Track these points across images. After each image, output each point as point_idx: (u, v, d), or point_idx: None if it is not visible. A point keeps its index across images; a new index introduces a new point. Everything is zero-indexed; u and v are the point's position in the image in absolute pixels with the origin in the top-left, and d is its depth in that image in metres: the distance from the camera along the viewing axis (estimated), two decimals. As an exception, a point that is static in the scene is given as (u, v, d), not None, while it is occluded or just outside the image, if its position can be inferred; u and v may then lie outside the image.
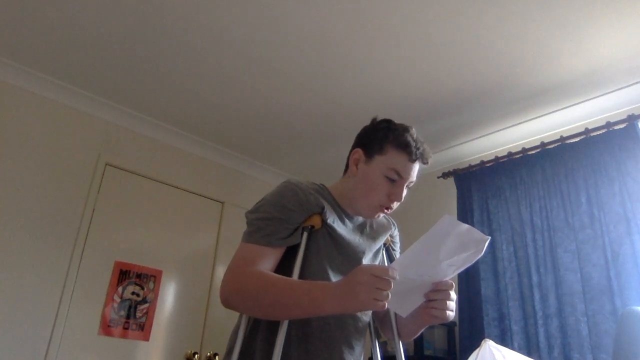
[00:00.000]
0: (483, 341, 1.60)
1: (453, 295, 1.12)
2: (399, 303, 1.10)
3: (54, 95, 2.85)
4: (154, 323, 2.91)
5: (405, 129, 1.27)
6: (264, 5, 2.15)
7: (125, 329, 2.79)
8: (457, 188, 3.01)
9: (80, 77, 2.78)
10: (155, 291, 2.97)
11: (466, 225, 1.01)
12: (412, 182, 1.27)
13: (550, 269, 2.43)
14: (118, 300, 2.81)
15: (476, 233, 1.03)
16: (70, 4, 2.22)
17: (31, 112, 2.77)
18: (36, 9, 2.26)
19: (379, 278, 0.95)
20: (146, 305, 2.91)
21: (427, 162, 1.28)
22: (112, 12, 2.26)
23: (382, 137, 1.26)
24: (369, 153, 1.27)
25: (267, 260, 1.14)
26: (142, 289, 2.92)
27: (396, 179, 1.23)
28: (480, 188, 2.89)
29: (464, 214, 2.89)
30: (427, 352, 2.64)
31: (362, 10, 2.14)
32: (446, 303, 1.11)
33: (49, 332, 2.52)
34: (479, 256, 1.07)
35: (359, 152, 1.30)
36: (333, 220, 1.23)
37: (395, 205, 1.26)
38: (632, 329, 1.61)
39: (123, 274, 2.87)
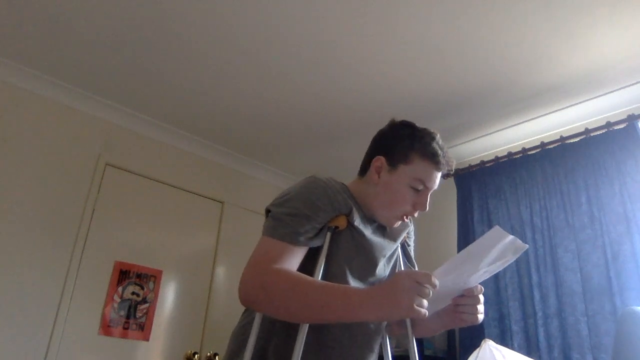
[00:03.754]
0: (483, 341, 1.60)
1: (482, 298, 1.11)
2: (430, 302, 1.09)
3: (54, 95, 2.85)
4: (154, 323, 2.91)
5: (431, 137, 1.22)
6: (264, 5, 2.15)
7: (125, 328, 2.79)
8: (457, 188, 3.01)
9: (80, 77, 2.78)
10: (155, 291, 2.97)
11: (511, 236, 0.99)
12: (434, 189, 1.23)
13: (550, 269, 2.43)
14: (118, 300, 2.81)
15: (518, 242, 1.02)
16: (71, 4, 2.22)
17: (31, 112, 2.77)
18: (36, 9, 2.26)
19: (422, 285, 0.91)
20: (146, 305, 2.91)
21: (453, 170, 1.24)
22: (112, 12, 2.25)
23: (408, 146, 1.20)
24: (392, 161, 1.21)
25: (292, 259, 1.06)
26: (142, 289, 2.92)
27: (421, 189, 1.19)
28: (480, 188, 2.89)
29: (464, 214, 2.89)
30: (427, 352, 2.64)
31: (362, 10, 2.14)
32: (477, 307, 1.09)
33: (49, 332, 2.52)
34: (511, 262, 1.07)
35: (381, 160, 1.23)
36: (359, 222, 1.18)
37: (417, 214, 1.23)
38: (632, 329, 1.61)
39: (123, 274, 2.87)
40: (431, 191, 1.22)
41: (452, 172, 1.24)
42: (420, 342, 2.62)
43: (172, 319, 3.00)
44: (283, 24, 2.26)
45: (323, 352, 1.09)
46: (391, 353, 1.27)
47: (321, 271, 1.09)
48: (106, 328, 2.73)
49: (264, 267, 1.03)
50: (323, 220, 1.12)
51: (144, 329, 2.86)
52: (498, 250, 1.01)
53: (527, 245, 1.04)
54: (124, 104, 3.02)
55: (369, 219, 1.24)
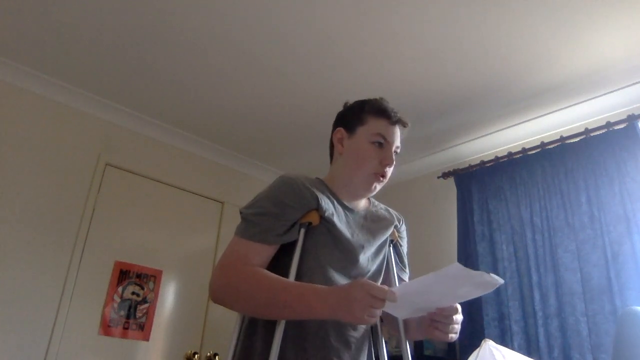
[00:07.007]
0: (483, 341, 1.59)
1: (458, 318, 1.12)
2: (399, 309, 1.09)
3: (54, 95, 2.85)
4: (154, 323, 2.91)
5: (379, 99, 1.34)
6: (264, 5, 2.15)
7: (125, 328, 2.79)
8: (457, 188, 3.01)
9: (80, 77, 2.78)
10: (155, 291, 2.97)
11: (477, 272, 0.97)
12: (397, 147, 1.31)
13: (550, 269, 2.43)
14: (118, 300, 2.81)
15: (487, 277, 0.99)
16: (71, 4, 2.22)
17: (31, 112, 2.77)
18: (36, 9, 2.26)
19: (375, 298, 0.95)
20: (146, 305, 2.91)
21: (406, 125, 1.33)
22: (112, 12, 2.26)
23: (359, 110, 1.33)
24: (350, 128, 1.32)
25: (261, 257, 1.12)
26: (142, 289, 2.92)
27: (383, 142, 1.28)
28: (480, 188, 2.89)
29: (464, 214, 2.89)
30: (427, 352, 2.64)
31: (362, 10, 2.14)
32: (449, 327, 1.11)
33: (49, 332, 2.52)
34: (487, 292, 1.07)
35: (340, 130, 1.35)
36: (332, 213, 1.21)
37: (388, 170, 1.28)
38: (632, 329, 1.61)
39: (123, 274, 2.87)
40: (394, 147, 1.29)
41: (405, 126, 1.34)
42: (420, 342, 2.63)
43: (172, 319, 3.00)
44: (283, 24, 2.26)
45: (300, 344, 1.12)
46: (387, 354, 1.29)
47: (296, 267, 1.14)
48: (106, 328, 2.73)
49: (231, 267, 1.10)
50: (292, 217, 1.16)
51: (144, 329, 2.86)
52: (465, 282, 1.00)
53: (502, 281, 1.00)
54: (124, 104, 3.02)
55: (346, 209, 1.28)
